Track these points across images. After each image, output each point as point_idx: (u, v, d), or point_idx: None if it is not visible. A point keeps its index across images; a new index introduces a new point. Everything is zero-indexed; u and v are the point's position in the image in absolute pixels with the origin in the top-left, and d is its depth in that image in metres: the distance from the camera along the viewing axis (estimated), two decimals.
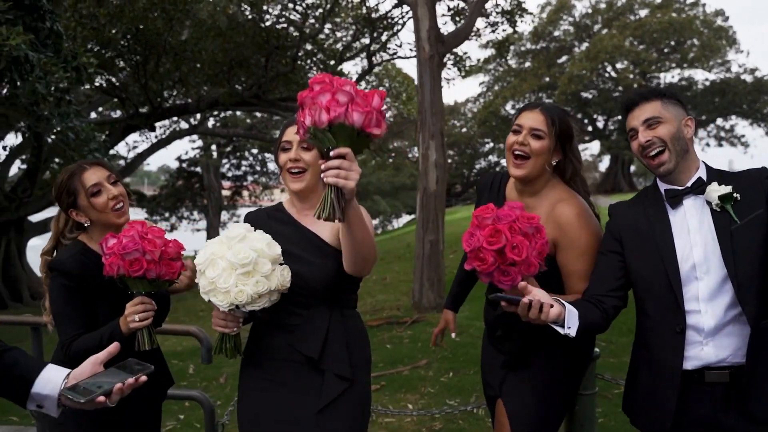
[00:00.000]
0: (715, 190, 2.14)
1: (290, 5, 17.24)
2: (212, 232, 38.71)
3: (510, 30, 16.25)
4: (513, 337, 2.46)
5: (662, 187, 2.27)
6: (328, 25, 18.96)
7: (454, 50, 16.38)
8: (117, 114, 22.78)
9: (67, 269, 2.33)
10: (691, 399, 2.13)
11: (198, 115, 24.51)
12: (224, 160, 37.85)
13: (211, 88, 19.89)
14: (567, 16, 39.85)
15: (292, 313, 2.26)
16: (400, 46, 19.40)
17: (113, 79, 19.16)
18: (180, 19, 15.14)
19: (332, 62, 20.32)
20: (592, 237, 2.35)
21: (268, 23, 17.07)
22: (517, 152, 2.39)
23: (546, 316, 1.99)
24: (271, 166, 35.89)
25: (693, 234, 2.17)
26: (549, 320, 2.01)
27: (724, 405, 2.10)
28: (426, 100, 8.49)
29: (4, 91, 7.42)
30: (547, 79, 38.64)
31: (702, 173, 2.23)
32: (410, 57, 19.49)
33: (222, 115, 29.03)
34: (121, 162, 25.62)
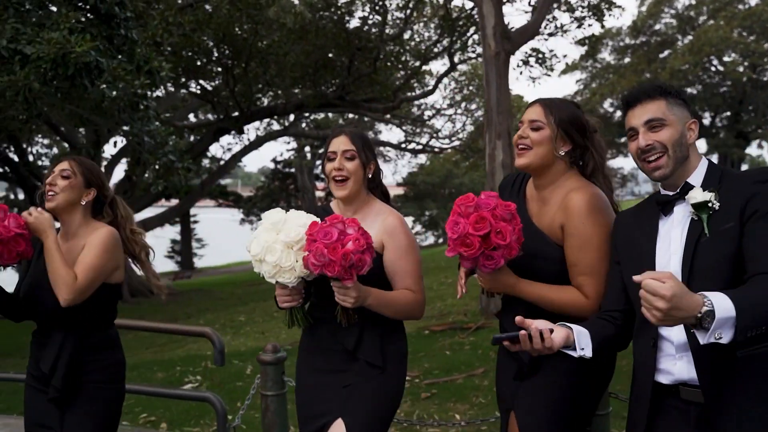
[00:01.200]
0: (692, 197, 1.94)
1: (371, 6, 17.27)
2: None
3: (597, 25, 15.58)
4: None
5: (661, 192, 2.10)
6: (411, 26, 18.88)
7: (537, 47, 15.91)
8: (209, 117, 23.65)
9: None
10: (665, 416, 1.97)
11: (291, 117, 25.13)
12: (317, 162, 38.58)
13: (298, 90, 20.30)
14: (669, 9, 37.91)
15: (326, 308, 2.46)
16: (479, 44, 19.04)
17: (206, 84, 19.94)
18: (264, 24, 15.48)
19: (417, 62, 20.27)
20: (598, 231, 2.23)
21: (350, 25, 17.18)
22: (519, 145, 2.38)
23: (551, 343, 1.94)
24: None
25: (674, 243, 1.99)
26: (556, 346, 1.95)
27: (699, 426, 1.90)
28: (492, 99, 8.24)
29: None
30: (648, 75, 36.88)
31: (696, 176, 2.02)
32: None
33: (312, 117, 29.57)
34: (209, 163, 26.53)
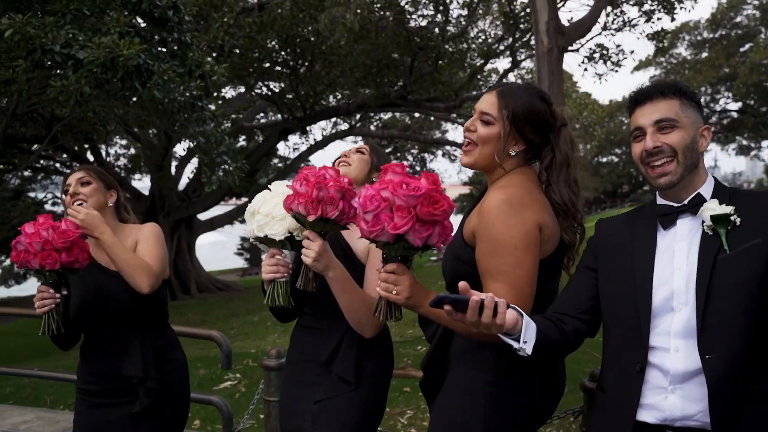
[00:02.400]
0: (710, 209, 1.74)
1: (434, 6, 17.14)
2: None
3: (667, 19, 14.95)
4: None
5: (659, 202, 1.88)
6: (473, 25, 18.64)
7: (601, 43, 15.40)
8: (276, 118, 24.05)
9: None
10: None
11: (359, 116, 25.29)
12: None
13: (359, 90, 20.39)
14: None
15: (317, 317, 2.40)
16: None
17: (272, 85, 20.29)
18: (324, 24, 15.62)
19: (480, 61, 20.01)
20: (513, 233, 1.88)
21: (410, 24, 17.10)
22: (466, 139, 2.10)
23: (503, 320, 1.57)
24: (431, 165, 36.07)
25: (678, 258, 1.77)
26: (506, 327, 1.59)
27: None
28: None
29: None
30: (726, 69, 35.27)
31: (706, 189, 1.82)
32: (567, 50, 18.63)
33: (378, 116, 29.62)
34: (278, 162, 26.94)
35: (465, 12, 18.08)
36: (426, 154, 33.35)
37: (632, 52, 16.28)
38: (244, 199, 27.29)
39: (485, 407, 1.94)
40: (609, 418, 1.78)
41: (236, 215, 26.46)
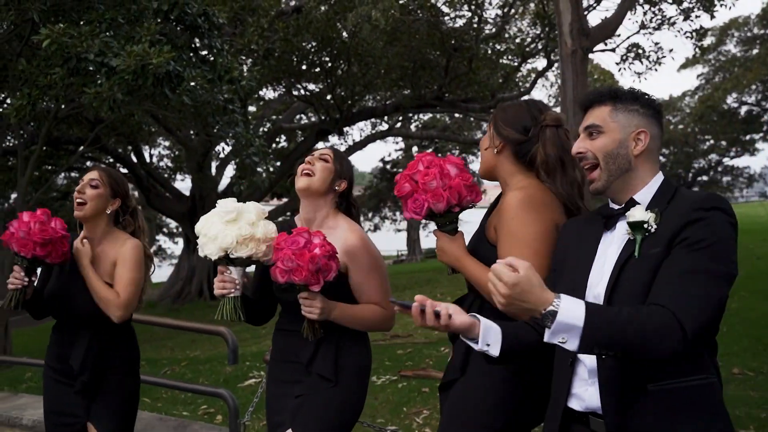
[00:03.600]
0: (631, 216, 1.78)
1: (468, 8, 17.14)
2: (412, 232, 39.95)
3: (706, 17, 14.66)
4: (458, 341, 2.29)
5: (611, 204, 1.94)
6: (508, 25, 18.57)
7: (637, 42, 15.18)
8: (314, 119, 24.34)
9: None
10: None
11: (400, 117, 25.41)
12: None
13: (396, 91, 20.51)
14: None
15: (294, 321, 2.47)
16: None
17: (310, 86, 20.57)
18: (354, 23, 15.75)
19: (516, 61, 19.92)
20: (529, 229, 2.10)
21: (445, 26, 17.13)
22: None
23: (446, 321, 1.74)
24: (473, 167, 35.97)
25: (608, 262, 1.83)
26: (454, 328, 1.76)
27: None
28: (568, 98, 8.00)
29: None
30: None
31: (644, 193, 1.85)
32: (603, 50, 18.38)
33: (417, 117, 29.67)
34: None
35: (500, 12, 18.05)
36: (467, 155, 33.28)
37: (671, 50, 15.99)
38: (285, 200, 27.71)
39: (504, 400, 2.15)
40: (552, 404, 1.91)
41: (275, 215, 26.81)
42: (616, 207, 1.88)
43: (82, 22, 7.72)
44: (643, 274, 1.70)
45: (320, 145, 28.12)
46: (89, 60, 6.76)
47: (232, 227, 2.31)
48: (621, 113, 1.87)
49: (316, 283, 2.26)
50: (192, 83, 7.38)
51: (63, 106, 8.34)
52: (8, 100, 12.38)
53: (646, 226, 1.75)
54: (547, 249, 2.08)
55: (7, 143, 13.77)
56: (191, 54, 8.33)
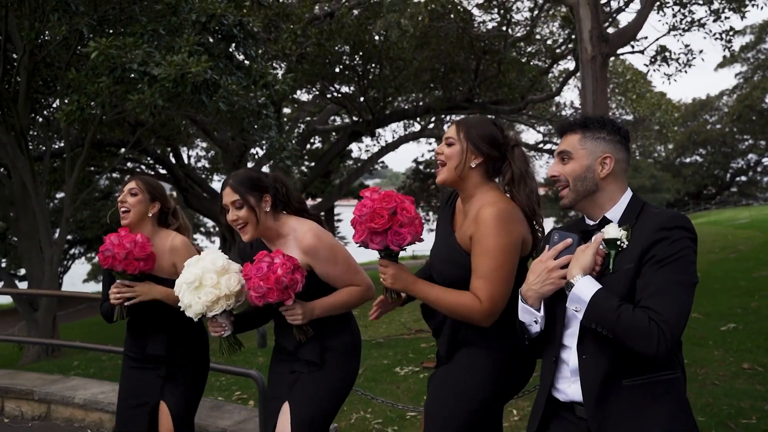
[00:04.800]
0: (606, 233, 2.03)
1: (498, 12, 17.37)
2: None
3: (736, 17, 14.66)
4: (442, 333, 2.61)
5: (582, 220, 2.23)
6: (536, 28, 18.74)
7: (663, 45, 15.23)
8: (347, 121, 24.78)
9: None
10: (561, 424, 2.11)
11: (432, 118, 25.68)
12: None
13: (427, 93, 20.82)
14: None
15: (283, 317, 2.78)
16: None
17: (343, 89, 21.01)
18: (383, 28, 16.12)
19: (546, 62, 20.09)
20: (502, 241, 2.34)
21: (474, 29, 17.39)
22: (437, 161, 2.57)
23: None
24: None
25: None
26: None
27: None
28: (588, 103, 8.23)
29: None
30: None
31: (615, 211, 2.10)
32: (632, 52, 18.47)
33: (449, 118, 29.86)
34: (352, 163, 27.53)
35: (529, 15, 18.23)
36: None
37: (701, 52, 16.00)
38: (319, 200, 28.22)
39: (484, 380, 2.45)
40: (539, 392, 2.20)
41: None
42: (591, 223, 2.15)
43: (123, 33, 8.22)
44: (617, 288, 1.94)
45: (355, 146, 28.56)
46: (133, 69, 7.25)
47: (199, 295, 2.63)
48: (589, 141, 2.11)
49: (288, 297, 2.55)
50: (228, 89, 7.80)
51: (107, 112, 8.85)
52: (54, 105, 13.08)
53: (619, 243, 2.00)
54: (510, 260, 2.36)
55: (54, 146, 14.48)
56: (227, 61, 8.79)
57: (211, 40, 8.86)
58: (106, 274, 3.26)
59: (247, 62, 9.21)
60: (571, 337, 2.07)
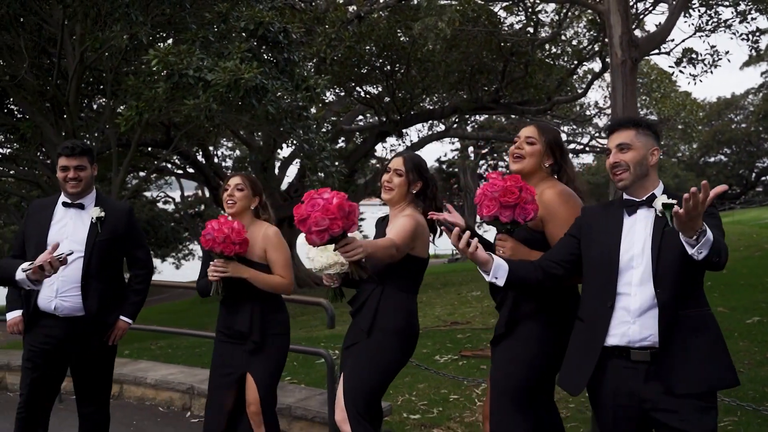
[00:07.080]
0: (661, 199, 2.53)
1: (525, 15, 17.67)
2: None
3: (763, 18, 14.84)
4: (503, 306, 3.08)
5: (625, 197, 2.72)
6: (564, 30, 19.00)
7: (690, 47, 15.43)
8: (373, 121, 25.18)
9: None
10: (615, 371, 2.54)
11: (456, 119, 26.01)
12: (480, 162, 38.81)
13: (453, 94, 21.14)
14: None
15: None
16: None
17: (370, 89, 21.41)
18: (419, 32, 16.50)
19: (573, 63, 20.32)
20: (572, 211, 2.87)
21: (501, 32, 17.70)
22: (515, 154, 3.10)
23: (474, 250, 2.56)
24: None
25: (638, 233, 2.58)
26: (475, 258, 2.59)
27: (645, 379, 2.48)
28: (618, 106, 8.57)
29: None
30: None
31: (657, 192, 2.64)
32: (658, 53, 18.65)
33: (473, 118, 30.11)
34: (376, 163, 27.86)
35: (556, 17, 18.50)
36: None
37: (727, 52, 16.22)
38: None
39: (541, 348, 2.93)
40: (585, 343, 2.64)
41: None
42: (638, 199, 2.65)
43: (176, 40, 8.71)
44: (677, 239, 2.35)
45: (379, 146, 28.95)
46: (189, 75, 7.73)
47: (322, 255, 3.21)
48: (642, 136, 2.66)
49: (353, 224, 2.66)
50: (276, 93, 8.26)
51: (163, 116, 9.35)
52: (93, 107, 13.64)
53: (675, 207, 2.41)
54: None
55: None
56: (272, 66, 9.24)
57: (256, 45, 9.33)
58: (206, 254, 3.77)
59: (288, 67, 9.67)
60: (626, 285, 2.55)
